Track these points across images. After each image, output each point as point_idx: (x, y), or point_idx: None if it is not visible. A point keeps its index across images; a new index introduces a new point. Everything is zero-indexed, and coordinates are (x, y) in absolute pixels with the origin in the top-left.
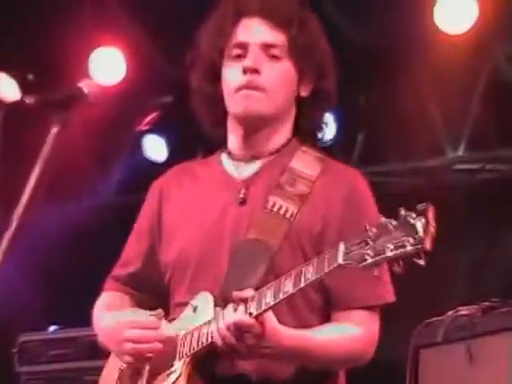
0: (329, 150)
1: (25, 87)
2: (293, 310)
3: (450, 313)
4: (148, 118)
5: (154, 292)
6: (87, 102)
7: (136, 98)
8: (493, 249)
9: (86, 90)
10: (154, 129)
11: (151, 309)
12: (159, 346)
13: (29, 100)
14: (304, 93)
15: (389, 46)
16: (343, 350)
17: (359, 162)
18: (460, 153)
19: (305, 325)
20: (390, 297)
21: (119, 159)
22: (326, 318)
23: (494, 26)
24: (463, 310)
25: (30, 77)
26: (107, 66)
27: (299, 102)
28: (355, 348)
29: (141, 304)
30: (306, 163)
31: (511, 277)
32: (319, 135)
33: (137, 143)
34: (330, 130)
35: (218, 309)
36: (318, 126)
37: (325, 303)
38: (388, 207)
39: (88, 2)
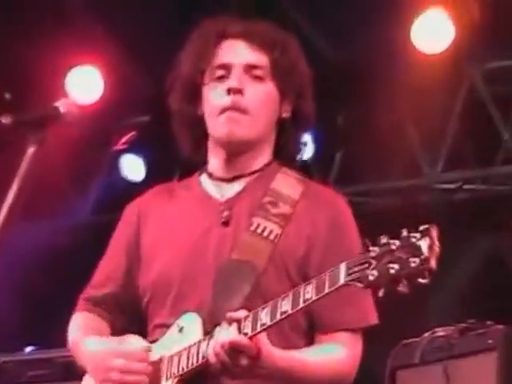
0: (307, 170)
1: (1, 106)
2: (280, 333)
3: (426, 334)
4: (125, 138)
5: (128, 314)
6: (64, 121)
7: (113, 116)
8: (467, 269)
9: (62, 110)
10: (132, 148)
11: (125, 331)
12: (146, 379)
13: (5, 120)
14: (285, 114)
15: (366, 65)
16: (328, 371)
17: (337, 182)
18: (437, 172)
19: (291, 347)
20: (373, 319)
21: (96, 178)
22: (310, 341)
23: (470, 45)
24: (440, 331)
25: (7, 96)
26: (85, 85)
27: (280, 123)
28: (340, 370)
29: (114, 327)
30: (287, 185)
31: (486, 297)
32: (298, 156)
33: (114, 163)
34: (307, 149)
35: (215, 329)
36: (298, 146)
37: (309, 326)
38: (366, 227)
39: (66, 21)
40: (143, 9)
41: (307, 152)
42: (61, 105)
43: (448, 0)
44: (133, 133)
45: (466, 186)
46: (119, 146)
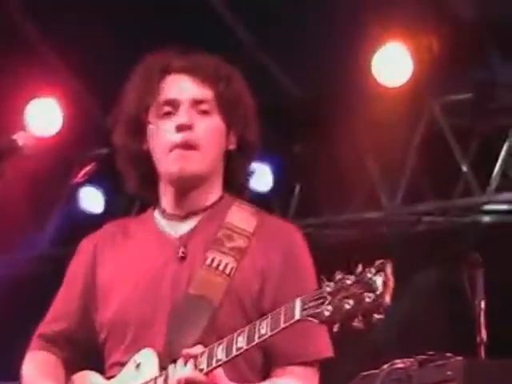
0: (266, 202)
1: None
2: (235, 368)
3: (385, 366)
4: (84, 170)
5: (84, 350)
6: (22, 154)
7: (72, 149)
8: (425, 301)
9: (20, 143)
10: (91, 180)
11: (81, 367)
12: None
13: None
14: (231, 146)
15: (327, 98)
16: None
17: (296, 214)
18: (397, 205)
19: (246, 382)
20: (328, 352)
21: (55, 211)
22: (265, 375)
23: (429, 78)
24: (399, 363)
25: None
26: (44, 117)
27: (226, 155)
28: None
29: (70, 364)
30: (241, 218)
31: (443, 328)
32: (247, 186)
33: (73, 195)
34: (267, 182)
35: (171, 366)
36: (246, 177)
37: (263, 360)
38: (326, 259)
39: (24, 53)
40: (102, 41)
41: (266, 185)
42: (19, 137)
43: (406, 34)
44: (92, 165)
45: (424, 219)
46: (78, 179)
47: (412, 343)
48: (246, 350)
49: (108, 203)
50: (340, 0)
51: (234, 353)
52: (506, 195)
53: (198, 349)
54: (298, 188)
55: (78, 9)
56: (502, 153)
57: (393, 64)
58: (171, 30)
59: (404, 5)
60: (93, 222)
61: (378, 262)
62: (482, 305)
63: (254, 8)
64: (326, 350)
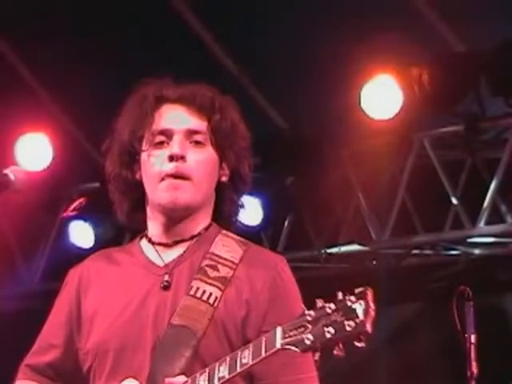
0: (256, 236)
1: None
2: None
3: None
4: (74, 204)
5: (71, 381)
6: (13, 188)
7: (62, 183)
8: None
9: (12, 177)
10: (81, 215)
11: None
12: None
13: None
14: (224, 178)
15: (317, 132)
16: None
17: (286, 247)
18: (386, 238)
19: None
20: (314, 382)
21: (45, 245)
22: None
23: (418, 112)
24: None
25: None
26: (34, 152)
27: (218, 186)
28: None
29: None
30: (227, 247)
31: (428, 362)
32: (237, 218)
33: (63, 229)
34: (257, 215)
35: None
36: (237, 209)
37: None
38: (314, 292)
39: (15, 89)
40: (91, 76)
41: (256, 218)
42: (10, 172)
43: (396, 67)
44: (81, 199)
45: (414, 252)
46: (68, 213)
47: (402, 377)
48: (229, 379)
49: (98, 238)
50: (329, 33)
51: (216, 383)
52: (496, 228)
53: (181, 378)
54: (287, 221)
55: (67, 45)
56: (492, 185)
57: (382, 97)
58: (159, 62)
59: (394, 38)
60: (83, 257)
61: (358, 290)
62: (473, 339)
63: (241, 41)
64: (312, 380)
